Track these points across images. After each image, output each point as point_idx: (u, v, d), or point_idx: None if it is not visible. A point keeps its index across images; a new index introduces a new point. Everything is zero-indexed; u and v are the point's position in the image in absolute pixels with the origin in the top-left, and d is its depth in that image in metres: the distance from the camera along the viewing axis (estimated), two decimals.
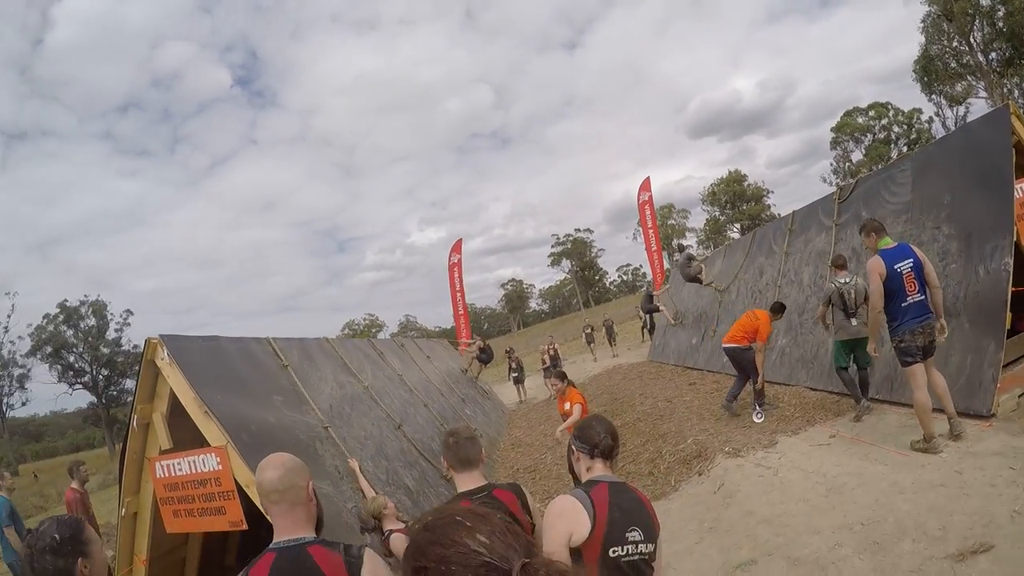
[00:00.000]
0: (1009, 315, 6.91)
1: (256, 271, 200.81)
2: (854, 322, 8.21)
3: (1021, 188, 7.31)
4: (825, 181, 75.18)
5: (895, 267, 6.33)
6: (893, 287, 6.34)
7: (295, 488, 2.28)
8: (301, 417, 6.84)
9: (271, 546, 2.29)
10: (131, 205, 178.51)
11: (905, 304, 6.31)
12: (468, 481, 3.15)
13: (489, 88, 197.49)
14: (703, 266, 17.26)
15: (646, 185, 27.71)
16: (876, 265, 6.42)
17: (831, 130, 74.04)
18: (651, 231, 27.25)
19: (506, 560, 1.05)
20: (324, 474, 6.33)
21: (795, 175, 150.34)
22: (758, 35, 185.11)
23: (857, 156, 71.73)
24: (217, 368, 6.28)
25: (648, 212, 27.46)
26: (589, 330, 30.31)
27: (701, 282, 16.66)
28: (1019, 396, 6.88)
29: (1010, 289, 6.88)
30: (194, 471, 5.67)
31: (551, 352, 22.42)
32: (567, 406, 8.12)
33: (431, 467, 8.87)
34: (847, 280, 8.34)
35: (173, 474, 5.81)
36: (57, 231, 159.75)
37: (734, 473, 7.45)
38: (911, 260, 6.32)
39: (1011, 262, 6.94)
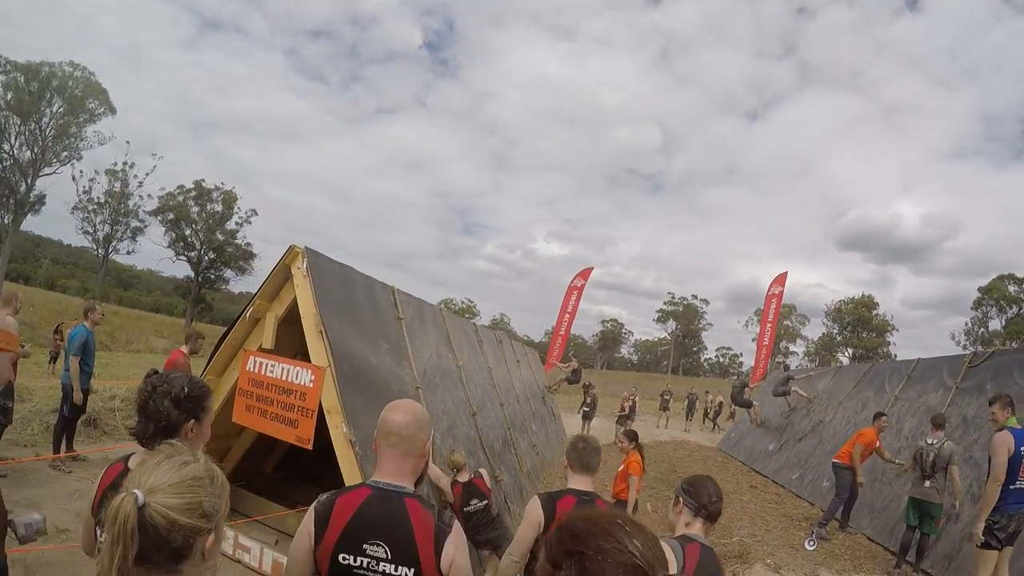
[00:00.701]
0: None
1: (382, 221, 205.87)
2: (927, 483, 7.93)
3: None
4: (954, 339, 71.19)
5: (1021, 449, 6.05)
6: (1011, 469, 6.05)
7: (415, 439, 2.31)
8: (397, 370, 6.99)
9: (370, 482, 2.33)
10: (292, 121, 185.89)
11: (1013, 487, 6.05)
12: (581, 483, 3.56)
13: (660, 131, 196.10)
14: (796, 390, 17.04)
15: (781, 279, 27.03)
16: (1006, 440, 6.13)
17: (978, 289, 69.93)
18: (769, 325, 26.54)
19: (652, 568, 1.13)
20: None
21: (926, 321, 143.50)
22: (939, 167, 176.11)
23: (995, 325, 68.01)
24: (342, 296, 6.48)
25: (774, 306, 26.76)
26: (668, 396, 29.40)
27: (788, 401, 16.70)
28: None
29: None
30: (285, 378, 5.90)
31: (632, 401, 22.22)
32: (628, 476, 7.77)
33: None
34: (933, 442, 8.00)
35: (264, 372, 6.06)
36: (218, 118, 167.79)
37: None
38: None
39: None
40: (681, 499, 2.98)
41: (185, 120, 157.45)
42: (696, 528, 2.88)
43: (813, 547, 9.04)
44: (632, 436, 8.25)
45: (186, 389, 2.27)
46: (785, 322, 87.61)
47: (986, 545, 6.17)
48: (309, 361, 5.85)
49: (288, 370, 5.91)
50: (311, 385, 5.71)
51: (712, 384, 70.64)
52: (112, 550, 1.25)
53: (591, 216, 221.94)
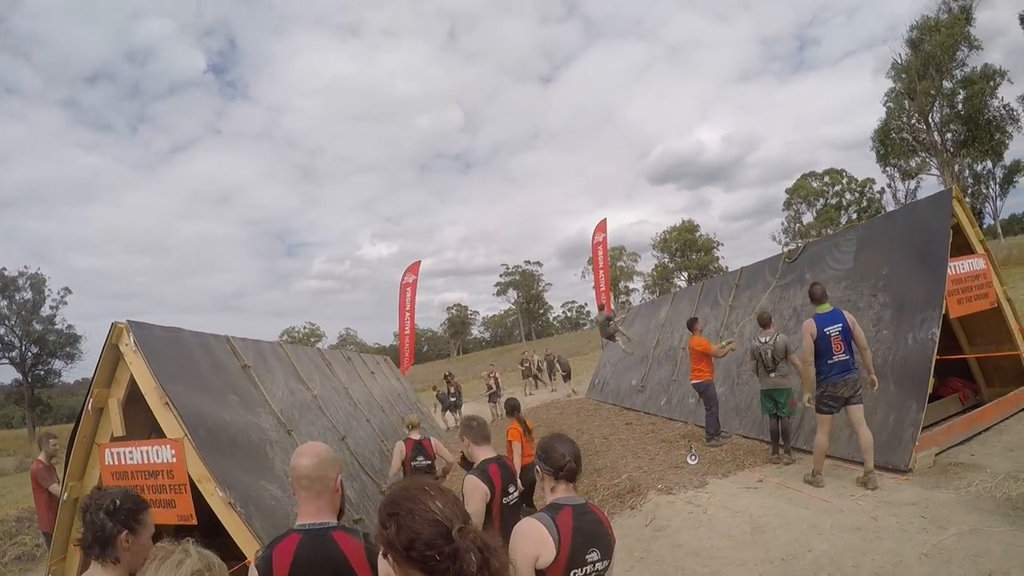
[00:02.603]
0: (933, 381, 7.58)
1: (201, 265, 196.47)
2: (772, 375, 9.00)
3: (955, 266, 8.02)
4: (775, 239, 78.35)
5: (824, 330, 7.24)
6: (821, 347, 7.26)
7: (324, 478, 2.46)
8: (253, 419, 6.92)
9: (296, 527, 2.47)
10: (85, 178, 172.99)
11: (831, 362, 7.21)
12: (486, 452, 4.38)
13: (460, 110, 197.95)
14: (619, 327, 17.91)
15: (602, 227, 28.06)
16: (808, 326, 7.39)
17: (786, 191, 77.70)
18: (601, 272, 27.55)
19: (450, 521, 1.52)
20: (274, 477, 6.43)
21: (747, 230, 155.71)
22: (729, 91, 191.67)
23: (808, 218, 74.86)
24: (179, 360, 6.33)
25: (601, 253, 27.75)
26: (527, 364, 30.20)
27: (614, 340, 17.54)
28: (935, 455, 7.47)
29: (935, 357, 7.52)
30: (146, 461, 5.70)
31: (493, 378, 22.73)
32: (510, 443, 7.85)
33: (371, 481, 8.98)
34: (766, 340, 9.07)
35: (123, 462, 5.82)
36: (4, 194, 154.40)
37: (665, 509, 7.83)
38: (840, 324, 7.20)
39: (938, 332, 7.60)
40: (539, 468, 3.06)
41: None
42: (561, 491, 2.98)
43: (695, 461, 9.75)
44: (511, 407, 8.43)
45: (117, 502, 2.39)
46: (619, 263, 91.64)
47: (822, 410, 7.38)
48: (163, 437, 5.72)
49: (146, 452, 5.70)
50: (174, 460, 5.56)
51: (570, 339, 72.65)
52: None
53: (411, 209, 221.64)
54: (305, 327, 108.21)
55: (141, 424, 6.61)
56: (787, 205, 76.85)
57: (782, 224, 77.88)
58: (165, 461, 5.61)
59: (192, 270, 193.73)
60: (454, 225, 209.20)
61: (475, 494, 4.00)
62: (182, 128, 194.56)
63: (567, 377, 28.39)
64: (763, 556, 5.87)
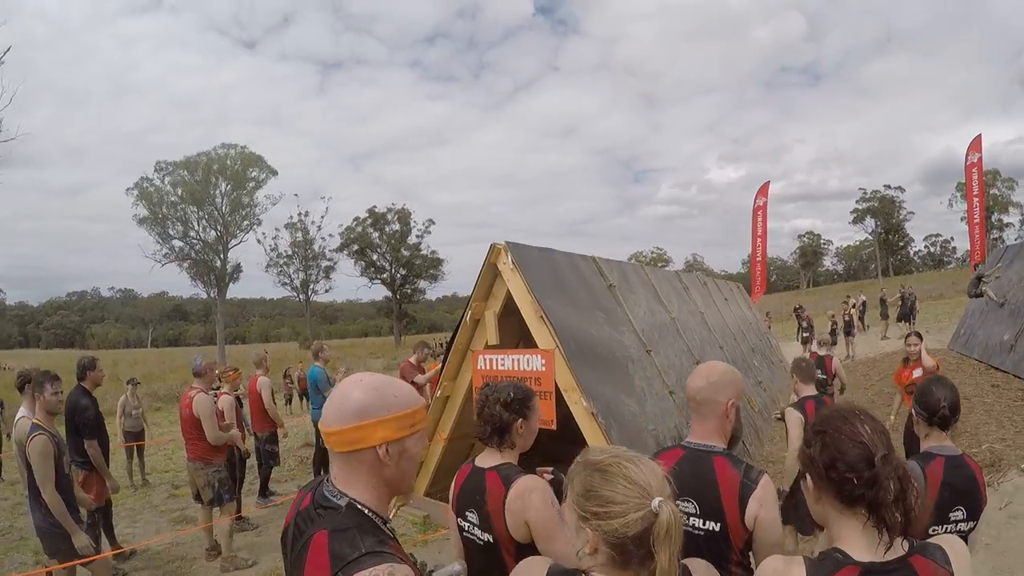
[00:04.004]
0: None
1: (551, 194, 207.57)
2: None
3: None
4: None
5: None
6: None
7: (711, 402, 2.41)
8: (617, 336, 7.13)
9: (683, 442, 2.50)
10: (437, 125, 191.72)
11: None
12: (809, 390, 5.20)
13: (802, 16, 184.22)
14: (987, 288, 15.75)
15: (976, 144, 23.67)
16: None
17: None
18: (976, 200, 23.55)
19: (875, 446, 1.49)
20: (633, 392, 6.61)
21: None
22: None
23: None
24: (551, 278, 6.68)
25: (976, 178, 23.38)
26: (886, 300, 26.38)
27: (986, 301, 15.48)
28: None
29: None
30: (517, 368, 6.20)
31: (849, 315, 21.25)
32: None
33: None
34: None
35: (495, 368, 6.42)
36: (369, 146, 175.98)
37: None
38: None
39: None
40: (915, 411, 2.92)
41: (341, 159, 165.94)
42: (935, 439, 2.83)
43: None
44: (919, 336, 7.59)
45: (512, 394, 2.59)
46: (992, 190, 78.48)
47: None
48: (531, 348, 6.13)
49: (518, 360, 6.23)
50: (543, 369, 5.97)
51: (930, 279, 65.53)
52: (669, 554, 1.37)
53: (757, 128, 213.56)
54: (652, 252, 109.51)
55: (510, 336, 7.07)
56: None
57: None
58: (535, 369, 6.05)
59: (543, 198, 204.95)
60: (804, 145, 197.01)
61: (794, 424, 4.85)
62: (522, 70, 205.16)
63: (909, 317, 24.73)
64: None
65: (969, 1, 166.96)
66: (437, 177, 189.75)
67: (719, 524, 2.28)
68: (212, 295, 56.72)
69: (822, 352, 8.75)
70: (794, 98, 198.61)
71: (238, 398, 8.18)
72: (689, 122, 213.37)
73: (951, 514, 2.59)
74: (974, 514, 2.62)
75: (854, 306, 24.21)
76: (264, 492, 9.06)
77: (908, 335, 7.06)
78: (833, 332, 20.12)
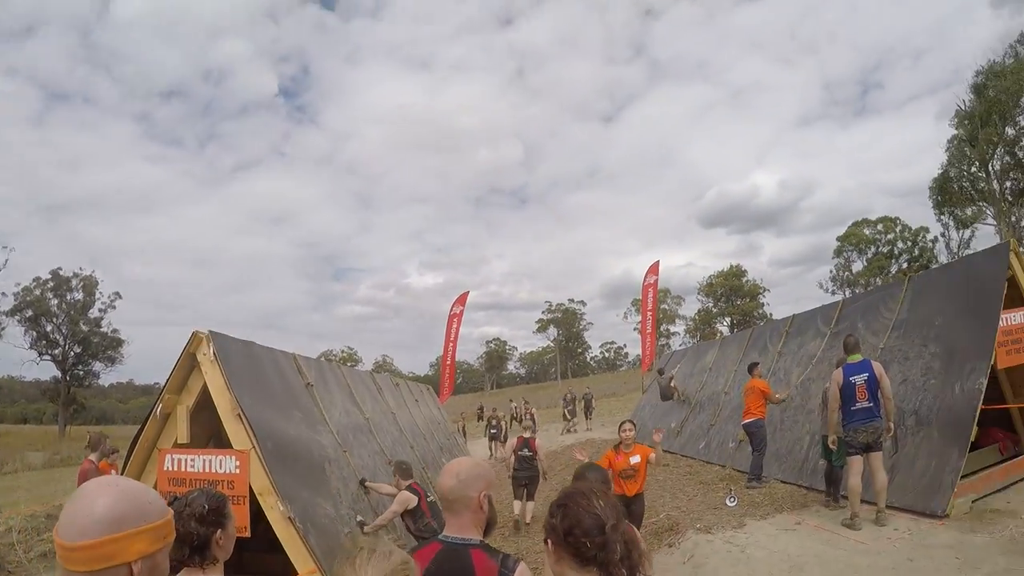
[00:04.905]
0: (976, 430, 7.69)
1: (250, 282, 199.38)
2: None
3: (1008, 317, 8.10)
4: (822, 287, 76.26)
5: (850, 379, 7.66)
6: (847, 394, 7.68)
7: (465, 498, 2.49)
8: (315, 436, 7.02)
9: (440, 537, 2.55)
10: (148, 190, 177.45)
11: (854, 408, 7.60)
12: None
13: (521, 145, 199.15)
14: (674, 386, 18.18)
15: (655, 269, 27.93)
16: (836, 375, 7.89)
17: (837, 238, 75.62)
18: (650, 314, 27.50)
19: (607, 517, 1.78)
20: (328, 495, 6.51)
21: (795, 277, 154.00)
22: (789, 135, 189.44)
23: (858, 267, 73.02)
24: (251, 373, 6.45)
25: (651, 295, 27.68)
26: (571, 398, 28.33)
27: (672, 399, 18.09)
28: (972, 501, 7.62)
29: (980, 407, 7.63)
30: (208, 470, 5.78)
31: (530, 414, 22.48)
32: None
33: None
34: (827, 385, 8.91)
35: (183, 469, 5.92)
36: (69, 197, 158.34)
37: (704, 547, 7.81)
38: (867, 374, 7.58)
39: (984, 382, 7.72)
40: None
41: (36, 205, 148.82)
42: None
43: (734, 503, 9.73)
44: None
45: (205, 505, 2.43)
46: (663, 305, 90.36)
47: (849, 453, 7.80)
48: (222, 447, 5.83)
49: (209, 461, 5.81)
50: (238, 471, 5.65)
51: (605, 380, 71.99)
52: None
53: (461, 241, 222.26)
54: (343, 351, 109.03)
55: (200, 434, 6.74)
56: (838, 252, 74.81)
57: (831, 272, 75.80)
58: (228, 472, 5.70)
59: (240, 285, 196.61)
60: (501, 259, 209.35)
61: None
62: (249, 148, 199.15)
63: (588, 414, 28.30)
64: None
65: (666, 150, 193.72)
66: (133, 246, 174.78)
67: None
68: None
69: (527, 435, 10.83)
70: (499, 216, 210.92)
71: None
72: (398, 227, 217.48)
73: None
74: None
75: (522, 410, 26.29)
76: None
77: (623, 422, 7.46)
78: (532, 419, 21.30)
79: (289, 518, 5.46)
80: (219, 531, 2.46)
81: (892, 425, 7.57)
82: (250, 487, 5.65)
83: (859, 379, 7.59)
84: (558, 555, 1.83)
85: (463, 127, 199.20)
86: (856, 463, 7.66)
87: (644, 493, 7.28)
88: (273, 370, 7.10)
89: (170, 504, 2.40)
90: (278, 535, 5.52)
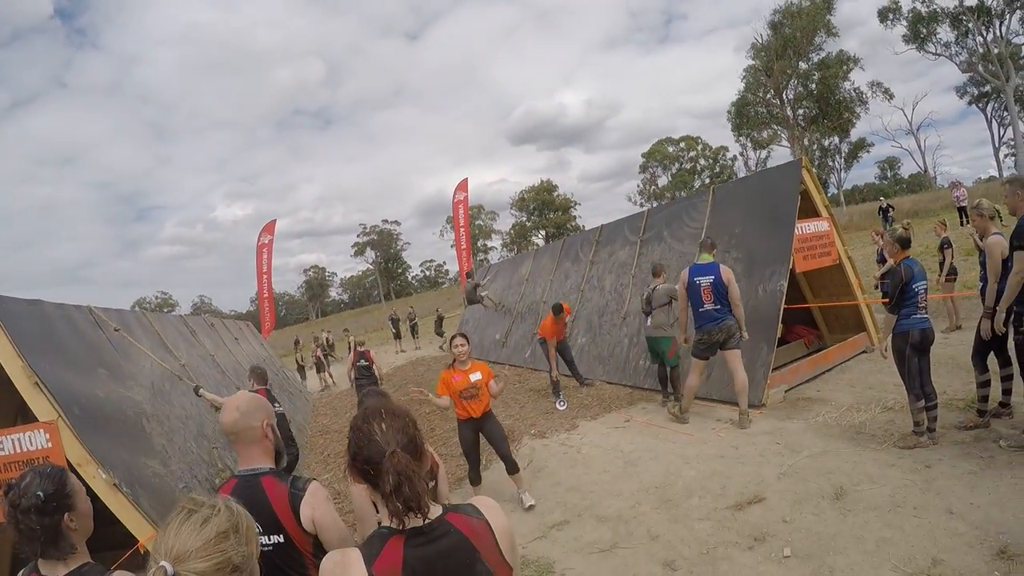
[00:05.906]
0: (781, 327, 8.55)
1: (44, 234, 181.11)
2: (648, 321, 9.30)
3: (802, 227, 8.96)
4: (630, 200, 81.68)
5: (695, 279, 7.77)
6: (692, 296, 7.82)
7: (249, 429, 2.55)
8: (126, 392, 6.64)
9: (235, 472, 2.59)
10: None
11: (701, 311, 7.75)
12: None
13: (323, 64, 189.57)
14: (485, 293, 19.06)
15: (463, 186, 28.30)
16: (681, 275, 8.01)
17: (642, 155, 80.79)
18: (463, 230, 27.81)
19: (388, 444, 1.72)
20: (153, 453, 6.24)
21: (605, 191, 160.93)
22: (593, 57, 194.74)
23: (663, 181, 78.13)
24: (44, 335, 5.94)
25: (462, 212, 27.98)
26: (396, 319, 29.93)
27: (483, 305, 19.00)
28: (785, 391, 8.49)
29: (783, 306, 8.47)
30: (19, 450, 5.25)
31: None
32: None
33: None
34: (651, 287, 9.36)
35: None
36: None
37: (541, 451, 8.32)
38: (712, 277, 7.64)
39: (785, 284, 8.57)
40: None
41: None
42: None
43: (564, 406, 10.38)
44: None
45: (41, 493, 2.12)
46: (477, 222, 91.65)
47: (695, 354, 7.96)
48: (32, 420, 5.32)
49: (18, 440, 5.24)
50: (50, 445, 5.20)
51: (429, 298, 72.61)
52: None
53: (266, 167, 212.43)
54: (157, 296, 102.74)
55: (6, 411, 6.29)
56: (643, 168, 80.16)
57: (638, 186, 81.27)
58: (40, 447, 5.22)
59: (33, 238, 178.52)
60: (311, 184, 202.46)
61: None
62: (25, 80, 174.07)
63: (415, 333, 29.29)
64: (638, 486, 6.41)
65: (473, 69, 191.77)
66: None
67: (282, 536, 2.47)
68: None
69: (361, 349, 12.92)
70: (305, 140, 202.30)
71: None
72: (198, 157, 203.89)
73: None
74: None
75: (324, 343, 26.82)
76: None
77: (453, 336, 7.11)
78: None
79: (115, 485, 5.17)
80: (67, 514, 2.19)
81: (745, 333, 7.73)
82: (67, 460, 5.21)
83: (704, 281, 7.67)
84: (353, 476, 1.83)
85: (260, 46, 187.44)
86: (698, 365, 7.92)
87: (493, 410, 6.82)
88: (68, 328, 6.57)
89: (5, 494, 2.17)
90: (108, 506, 5.13)
